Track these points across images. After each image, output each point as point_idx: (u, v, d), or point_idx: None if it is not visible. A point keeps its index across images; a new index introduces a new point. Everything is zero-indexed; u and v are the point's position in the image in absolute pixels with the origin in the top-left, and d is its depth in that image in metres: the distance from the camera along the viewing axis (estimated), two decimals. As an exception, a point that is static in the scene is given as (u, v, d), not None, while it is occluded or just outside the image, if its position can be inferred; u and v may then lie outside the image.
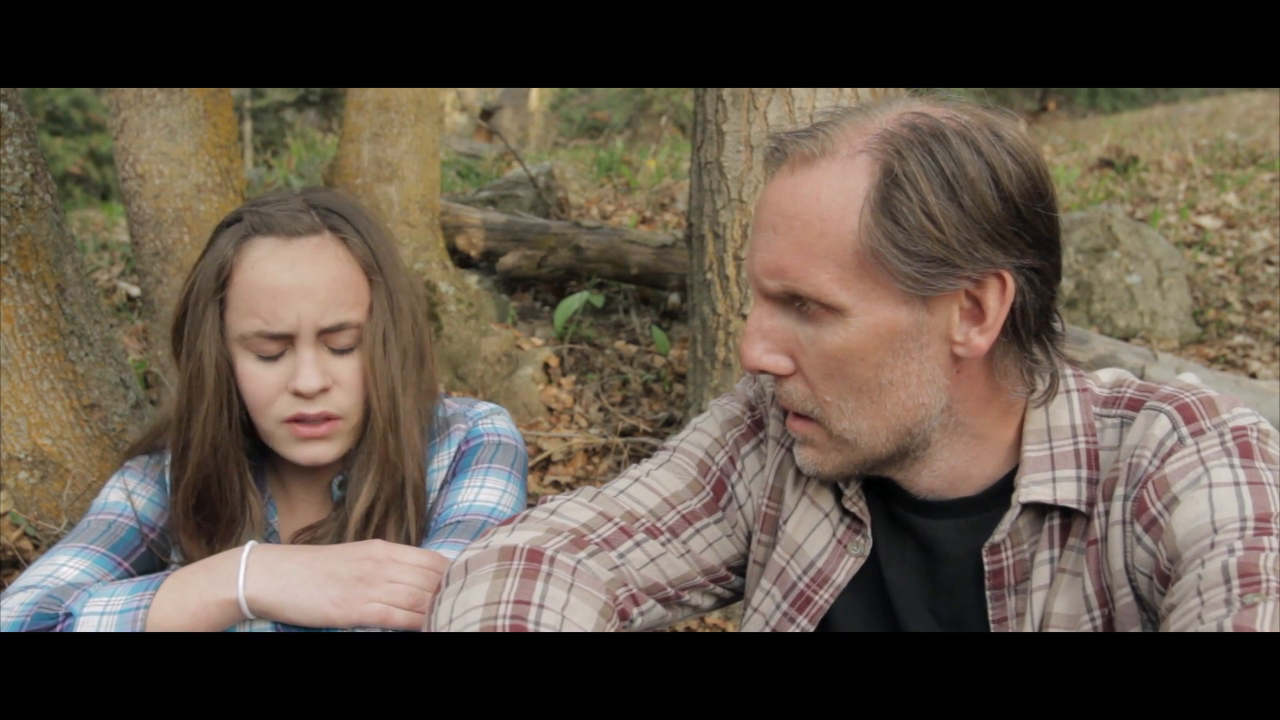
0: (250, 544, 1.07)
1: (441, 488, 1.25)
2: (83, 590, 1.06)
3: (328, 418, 1.17)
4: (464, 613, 0.90)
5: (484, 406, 1.33)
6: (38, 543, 2.00)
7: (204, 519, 1.21)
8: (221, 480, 1.19)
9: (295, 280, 1.13)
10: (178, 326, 1.19)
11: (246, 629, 1.06)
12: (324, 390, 1.16)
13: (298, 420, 1.17)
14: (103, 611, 1.02)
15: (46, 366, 1.85)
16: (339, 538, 1.21)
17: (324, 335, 1.16)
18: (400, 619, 1.03)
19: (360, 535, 1.19)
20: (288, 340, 1.15)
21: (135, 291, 4.00)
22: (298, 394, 1.15)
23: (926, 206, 0.86)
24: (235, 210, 1.21)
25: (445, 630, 0.89)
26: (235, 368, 1.16)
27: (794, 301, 0.92)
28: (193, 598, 1.03)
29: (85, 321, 1.93)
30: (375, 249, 1.21)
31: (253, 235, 1.16)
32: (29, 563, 1.97)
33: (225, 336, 1.16)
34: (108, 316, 2.36)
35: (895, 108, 0.91)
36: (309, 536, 1.24)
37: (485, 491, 1.22)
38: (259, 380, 1.16)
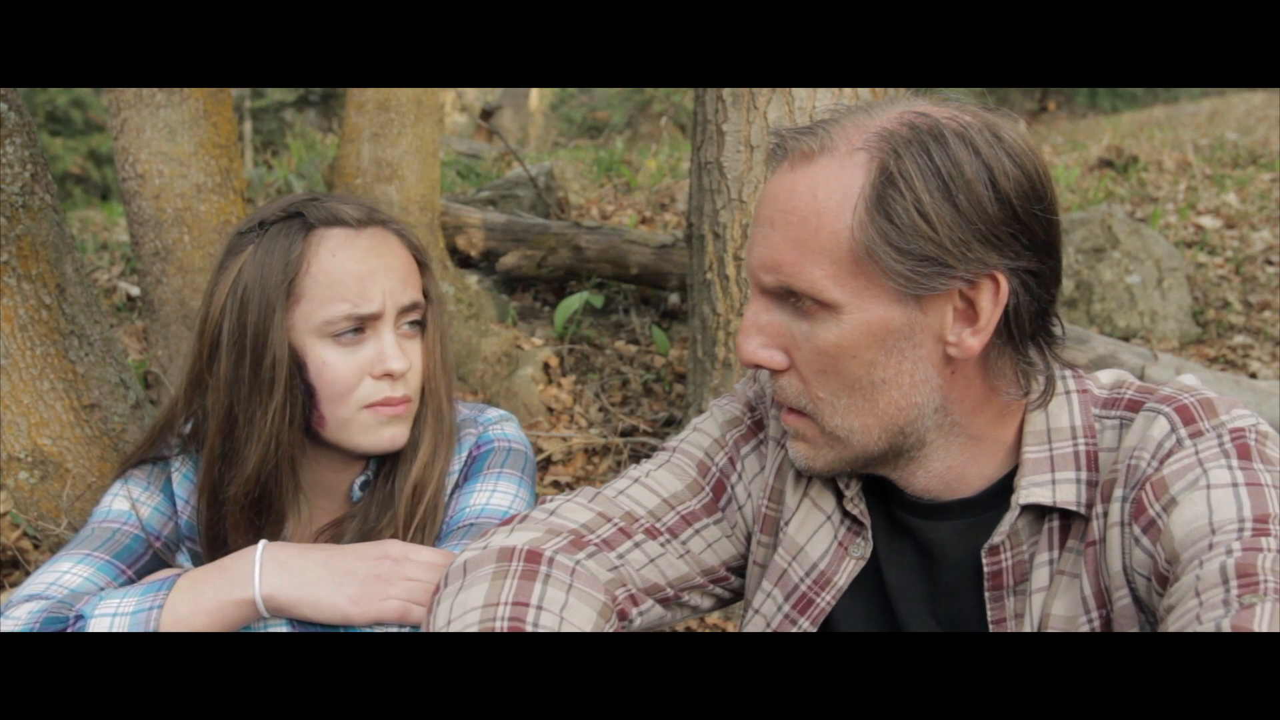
0: (263, 543, 1.07)
1: (453, 492, 1.26)
2: (91, 595, 1.06)
3: (407, 399, 1.21)
4: (463, 614, 0.90)
5: (494, 413, 1.34)
6: (38, 543, 2.00)
7: (256, 514, 1.22)
8: (280, 475, 1.20)
9: (379, 262, 1.18)
10: (215, 327, 1.17)
11: (261, 628, 1.06)
12: (408, 370, 1.20)
13: (381, 405, 1.19)
14: (115, 613, 1.02)
15: (46, 366, 1.85)
16: (360, 531, 1.22)
17: (399, 316, 1.20)
18: (418, 616, 1.04)
19: (408, 513, 1.21)
20: (371, 322, 1.18)
21: (135, 291, 4.00)
22: (388, 375, 1.18)
23: (920, 205, 0.86)
24: (267, 211, 1.20)
25: (444, 631, 0.90)
26: (308, 360, 1.17)
27: (789, 297, 0.92)
28: (208, 597, 1.03)
29: (85, 321, 1.93)
30: (417, 240, 1.27)
31: (320, 227, 1.18)
32: (29, 563, 1.97)
33: (294, 330, 1.17)
34: (108, 316, 2.35)
35: (897, 106, 0.91)
36: (332, 533, 1.25)
37: (497, 496, 1.23)
38: (342, 367, 1.17)
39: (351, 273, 1.16)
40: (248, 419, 1.17)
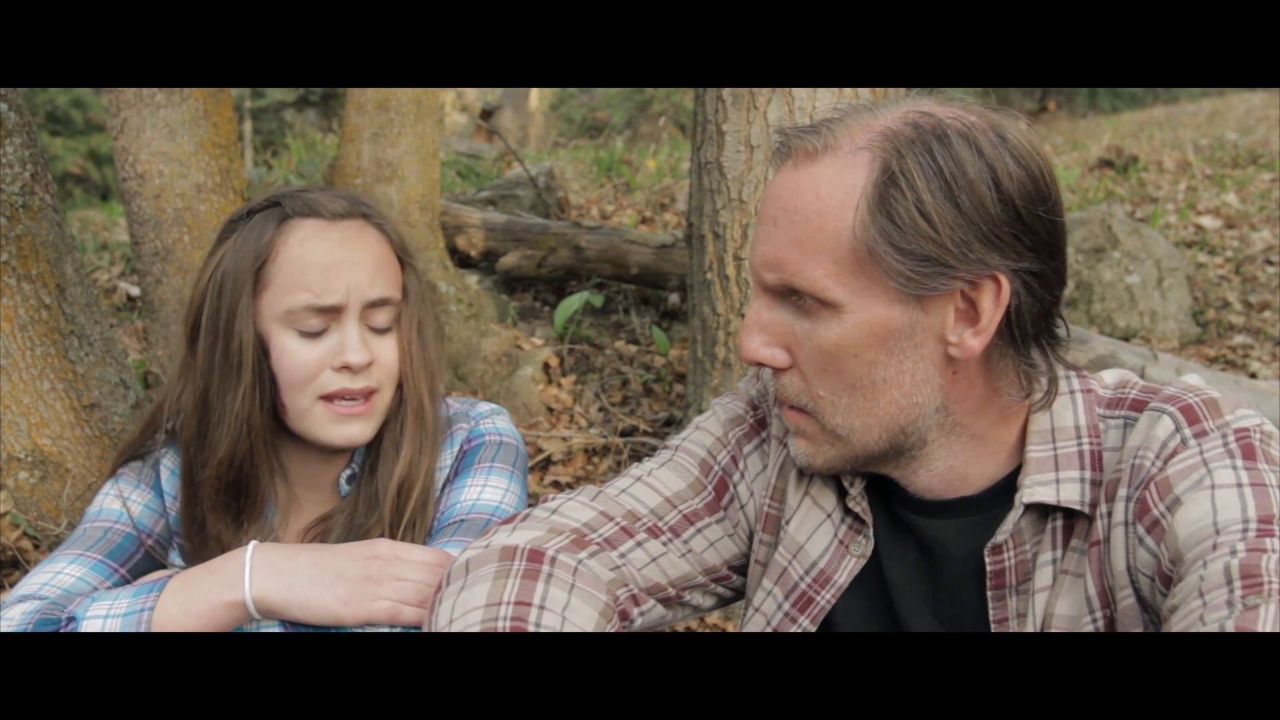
0: (253, 544, 1.07)
1: (444, 487, 1.26)
2: (84, 596, 1.06)
3: (368, 392, 1.20)
4: (465, 613, 0.90)
5: (485, 406, 1.34)
6: (38, 543, 2.00)
7: (234, 497, 1.22)
8: (255, 457, 1.20)
9: (345, 254, 1.18)
10: (196, 311, 1.19)
11: (253, 628, 1.06)
12: (368, 365, 1.19)
13: (339, 397, 1.19)
14: (106, 615, 1.02)
15: (46, 366, 1.85)
16: (348, 527, 1.22)
17: (366, 311, 1.19)
18: (409, 616, 1.04)
19: (395, 512, 1.21)
20: (333, 315, 1.17)
21: (135, 291, 4.00)
22: (345, 368, 1.18)
23: (922, 205, 0.86)
24: (257, 200, 1.22)
25: (446, 630, 0.89)
26: (271, 347, 1.17)
27: (791, 295, 0.92)
28: (198, 599, 1.03)
29: (85, 321, 1.93)
30: (403, 236, 1.26)
31: (294, 217, 1.18)
32: (29, 563, 1.97)
33: (260, 316, 1.17)
34: (108, 316, 2.35)
35: (901, 106, 0.91)
36: (320, 529, 1.25)
37: (488, 490, 1.23)
38: (301, 357, 1.17)
39: (316, 263, 1.16)
40: (220, 401, 1.18)
